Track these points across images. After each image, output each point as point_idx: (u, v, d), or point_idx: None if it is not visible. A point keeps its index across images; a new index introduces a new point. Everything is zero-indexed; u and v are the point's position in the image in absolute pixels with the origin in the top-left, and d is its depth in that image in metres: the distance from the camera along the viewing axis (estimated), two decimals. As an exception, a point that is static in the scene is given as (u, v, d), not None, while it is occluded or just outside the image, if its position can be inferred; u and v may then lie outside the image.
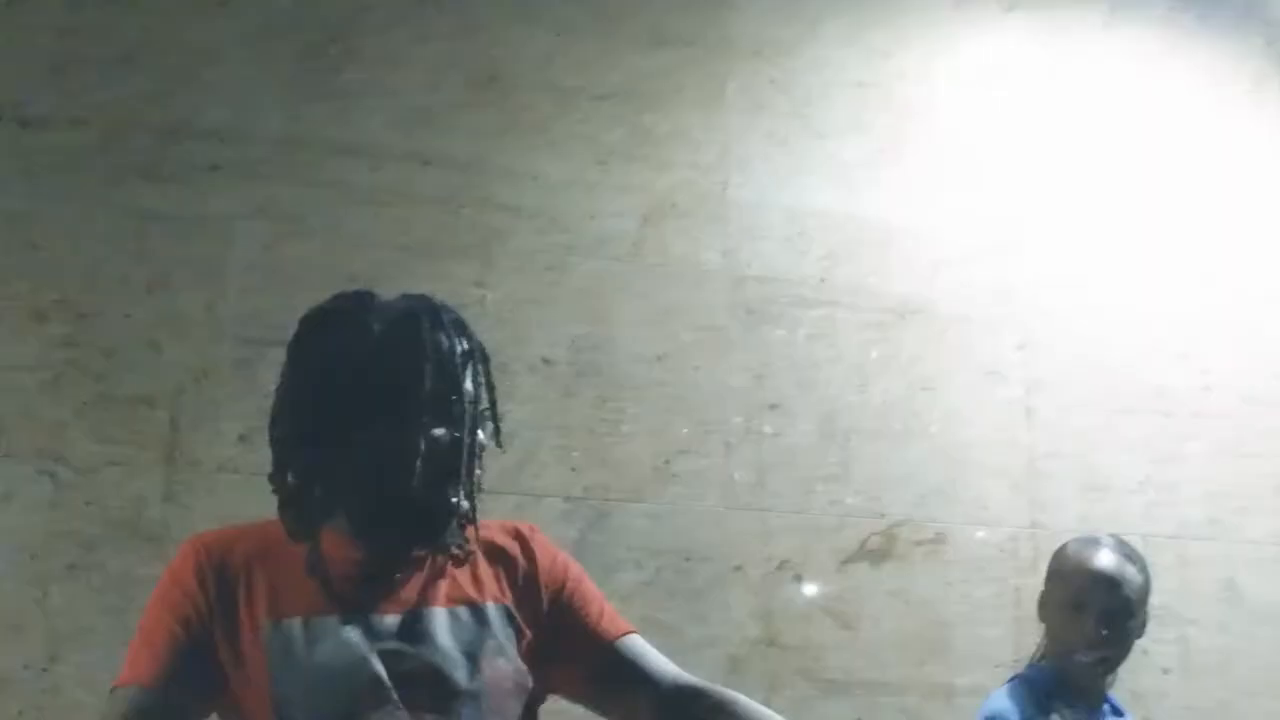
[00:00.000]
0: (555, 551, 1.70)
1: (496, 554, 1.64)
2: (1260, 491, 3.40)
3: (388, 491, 1.52)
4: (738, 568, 2.91)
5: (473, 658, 1.54)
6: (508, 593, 1.62)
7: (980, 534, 3.10)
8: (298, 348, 1.60)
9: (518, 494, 2.75)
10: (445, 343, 1.57)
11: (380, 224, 2.87)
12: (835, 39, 3.34)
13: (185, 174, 2.77)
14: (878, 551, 3.03)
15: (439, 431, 1.53)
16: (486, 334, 1.66)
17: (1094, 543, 2.38)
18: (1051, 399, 3.27)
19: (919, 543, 3.06)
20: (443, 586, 1.58)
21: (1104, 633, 2.28)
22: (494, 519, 1.65)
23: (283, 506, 1.57)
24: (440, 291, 2.66)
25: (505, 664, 1.56)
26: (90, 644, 2.52)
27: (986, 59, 3.47)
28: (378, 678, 1.49)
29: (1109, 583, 2.31)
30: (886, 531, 3.04)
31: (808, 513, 3.00)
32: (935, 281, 3.23)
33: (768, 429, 3.02)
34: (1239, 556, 3.34)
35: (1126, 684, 2.96)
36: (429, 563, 1.58)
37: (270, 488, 1.57)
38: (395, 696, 1.48)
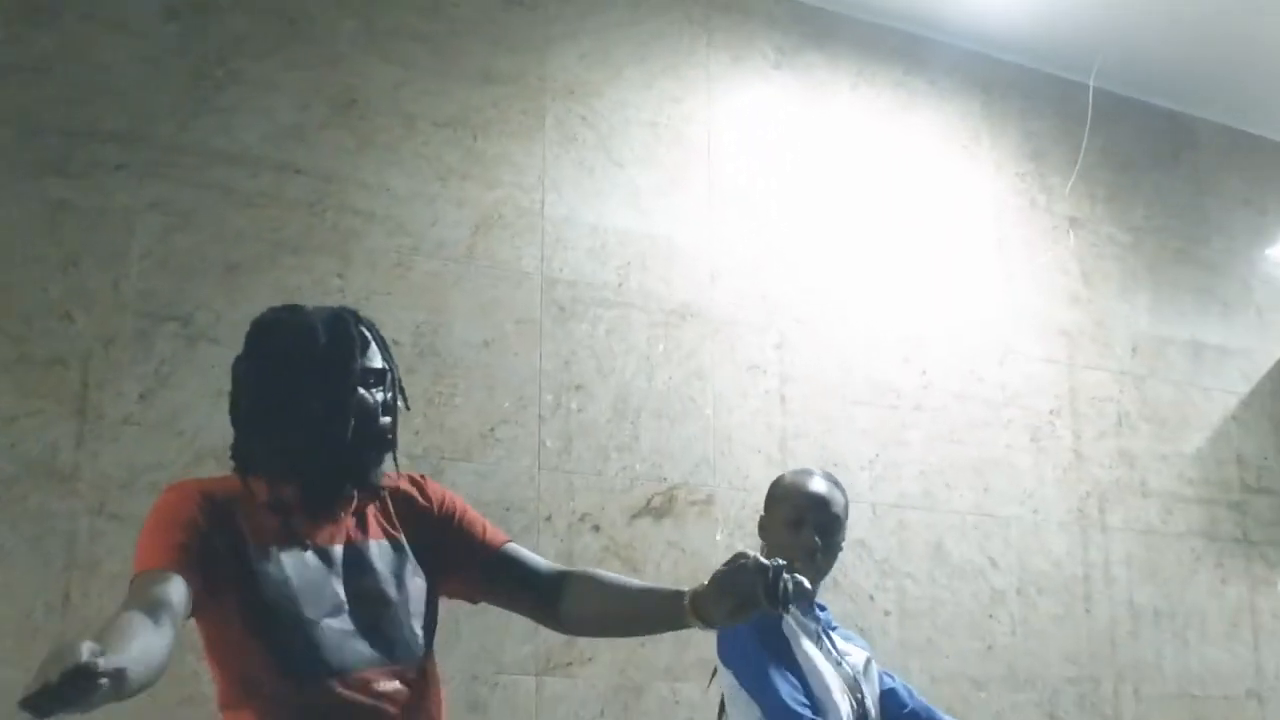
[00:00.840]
0: (443, 490, 2.24)
1: (402, 497, 2.16)
2: (964, 472, 4.15)
3: (330, 444, 2.03)
4: (548, 518, 3.50)
5: (399, 577, 2.08)
6: (415, 525, 2.17)
7: (741, 497, 3.74)
8: (256, 343, 2.08)
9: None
10: (367, 333, 2.13)
11: (256, 222, 3.33)
12: (635, 84, 3.94)
13: (92, 171, 3.21)
14: (659, 509, 3.64)
15: (366, 397, 2.09)
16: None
17: (807, 472, 2.82)
18: (800, 390, 3.93)
19: (693, 503, 3.69)
20: (370, 524, 2.11)
21: (818, 542, 2.72)
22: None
23: (241, 469, 2.06)
24: (304, 282, 3.24)
25: (420, 580, 2.12)
26: (8, 565, 2.95)
27: (757, 106, 4.13)
28: (336, 593, 2.00)
29: (822, 502, 2.73)
30: (667, 493, 3.65)
31: (604, 475, 3.60)
32: (711, 290, 3.87)
33: (573, 405, 3.61)
34: (945, 524, 4.07)
35: (856, 621, 3.67)
36: (354, 504, 2.08)
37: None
38: (348, 607, 2.02)
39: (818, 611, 2.75)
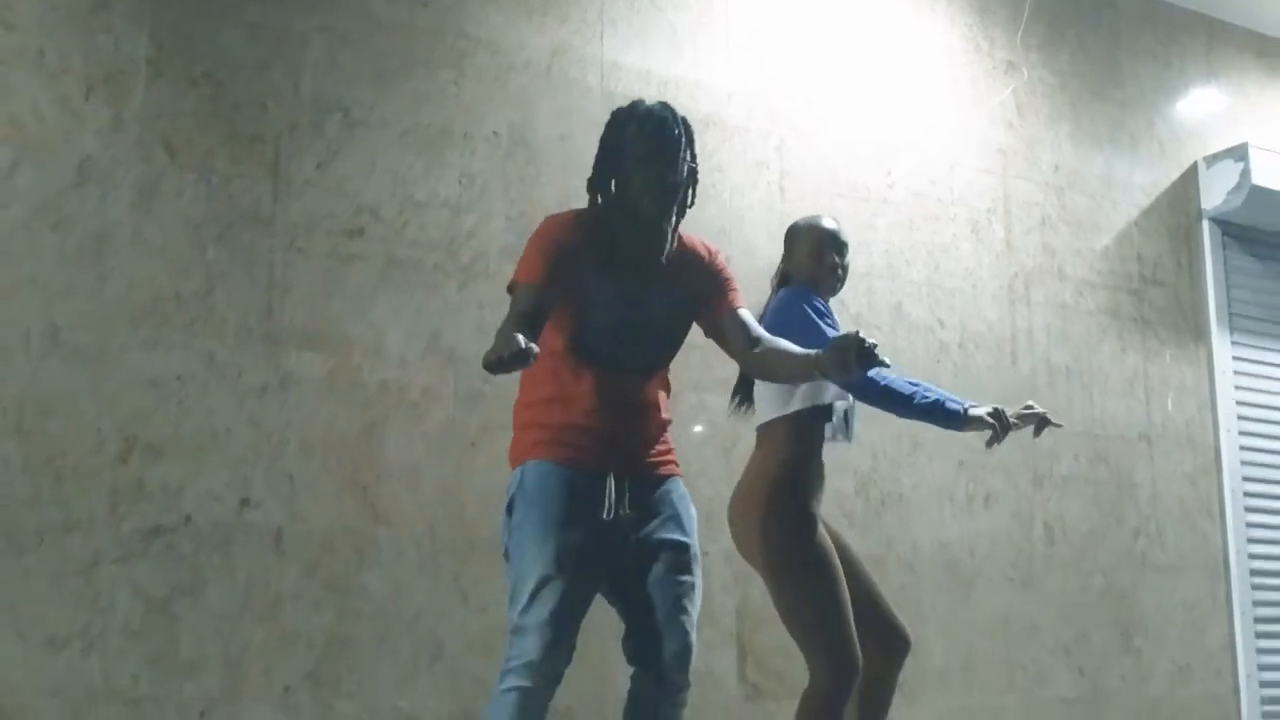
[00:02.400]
0: (718, 253, 3.58)
1: (693, 254, 3.50)
2: (919, 251, 5.34)
3: (646, 217, 3.35)
4: (607, 269, 4.69)
5: (676, 312, 3.44)
6: (699, 274, 3.48)
7: (749, 261, 4.92)
8: (615, 122, 3.46)
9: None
10: (679, 133, 3.39)
11: (395, 42, 4.49)
12: (669, -54, 5.10)
13: (277, 1, 4.36)
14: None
15: (673, 177, 3.36)
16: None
17: (817, 216, 4.00)
18: (795, 183, 5.08)
19: (713, 265, 4.88)
20: (667, 272, 3.40)
21: (838, 260, 3.88)
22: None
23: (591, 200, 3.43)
24: (430, 89, 4.36)
25: (686, 314, 3.45)
26: (227, 286, 4.14)
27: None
28: (628, 320, 3.35)
29: (834, 234, 3.90)
30: (693, 256, 4.85)
31: (647, 241, 4.79)
32: (728, 105, 5.02)
33: (624, 188, 4.79)
34: (903, 290, 5.26)
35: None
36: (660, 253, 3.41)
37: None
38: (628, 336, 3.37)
39: None
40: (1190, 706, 5.63)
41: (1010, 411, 3.95)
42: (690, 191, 3.52)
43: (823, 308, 3.78)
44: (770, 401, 3.85)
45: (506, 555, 3.36)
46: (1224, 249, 6.06)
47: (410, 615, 4.19)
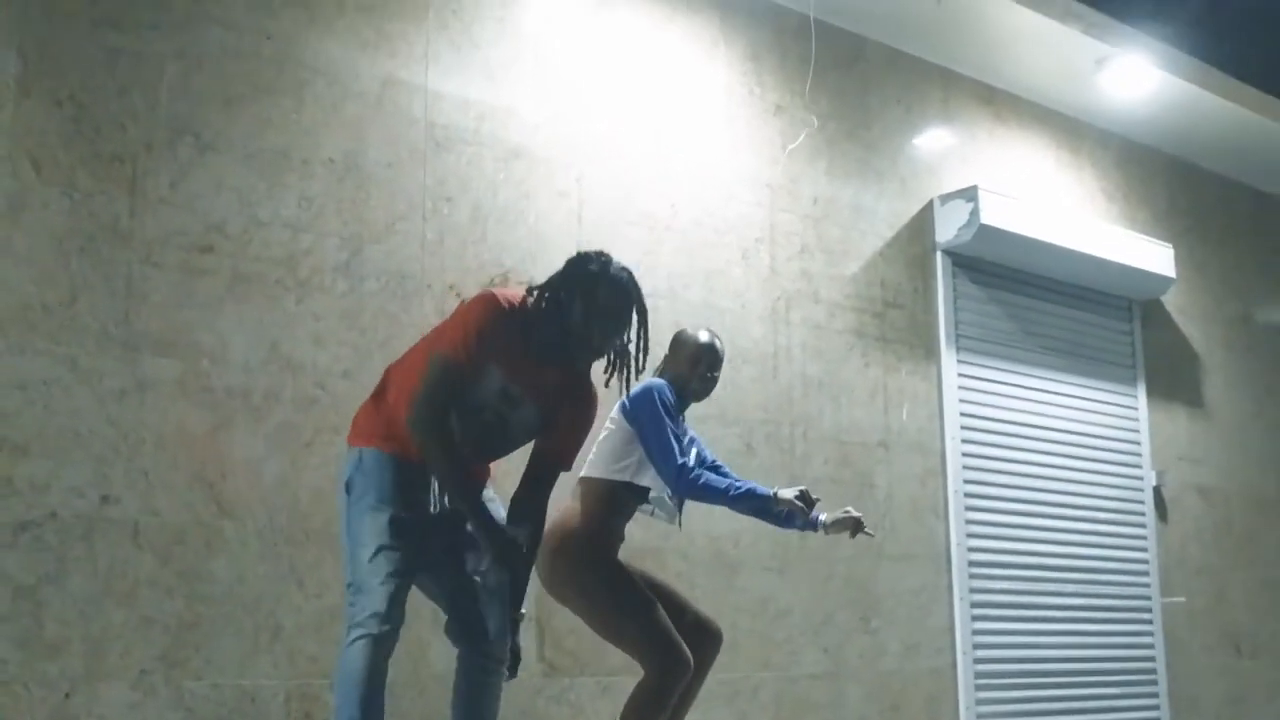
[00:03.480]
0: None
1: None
2: (697, 275, 5.96)
3: (581, 356, 3.89)
4: (428, 286, 5.15)
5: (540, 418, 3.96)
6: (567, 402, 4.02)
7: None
8: (589, 273, 3.92)
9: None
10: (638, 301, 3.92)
11: (243, 71, 4.86)
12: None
13: (137, 28, 4.66)
14: (500, 284, 5.33)
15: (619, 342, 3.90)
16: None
17: (704, 330, 4.68)
18: (593, 211, 5.62)
19: (520, 282, 5.39)
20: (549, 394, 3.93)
21: (710, 375, 4.62)
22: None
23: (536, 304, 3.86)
24: (274, 115, 4.72)
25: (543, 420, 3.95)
26: (88, 291, 4.44)
27: (566, 14, 5.80)
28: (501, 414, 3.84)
29: (714, 350, 4.61)
30: (503, 275, 5.35)
31: (463, 259, 5.27)
32: (535, 136, 5.54)
33: (444, 211, 5.26)
34: (682, 310, 5.87)
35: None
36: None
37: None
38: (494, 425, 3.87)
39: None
40: (917, 679, 6.43)
41: (827, 517, 4.68)
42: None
43: (671, 406, 4.47)
44: (600, 461, 4.45)
45: (346, 529, 3.85)
46: (954, 277, 6.88)
47: (252, 600, 4.58)
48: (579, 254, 4.05)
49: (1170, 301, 8.10)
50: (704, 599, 5.54)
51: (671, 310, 5.75)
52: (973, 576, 6.68)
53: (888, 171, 6.83)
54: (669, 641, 4.32)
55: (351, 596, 3.73)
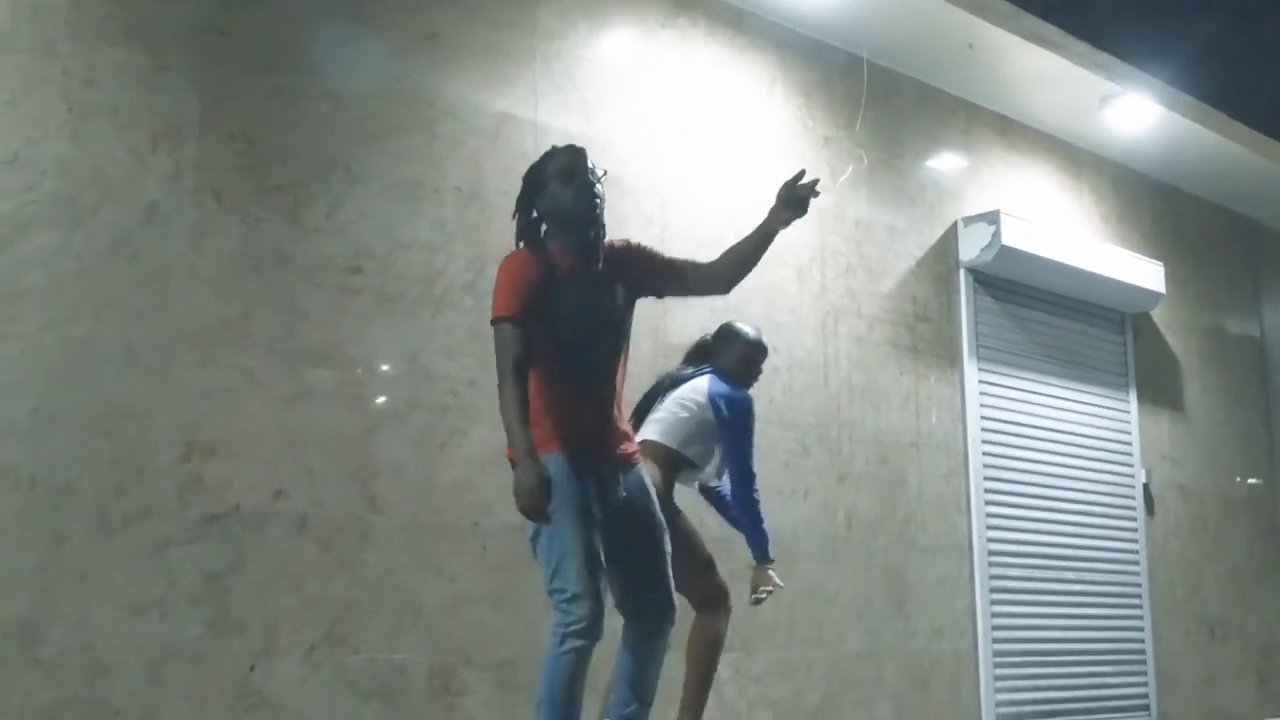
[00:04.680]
0: (634, 242, 4.46)
1: (616, 251, 4.39)
2: (758, 293, 6.56)
3: (583, 221, 4.27)
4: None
5: (622, 294, 4.34)
6: (628, 263, 4.36)
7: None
8: (536, 165, 4.34)
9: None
10: (589, 160, 4.34)
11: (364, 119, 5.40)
12: (592, 37, 6.13)
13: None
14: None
15: (597, 185, 4.30)
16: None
17: (750, 326, 5.27)
18: (675, 234, 6.23)
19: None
20: (605, 271, 4.30)
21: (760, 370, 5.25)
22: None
23: (525, 240, 4.30)
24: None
25: (628, 295, 4.35)
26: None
27: (649, 58, 6.38)
28: (590, 308, 4.23)
29: (763, 347, 5.25)
30: (601, 293, 5.93)
31: (568, 279, 5.84)
32: (627, 168, 6.12)
33: (551, 235, 5.82)
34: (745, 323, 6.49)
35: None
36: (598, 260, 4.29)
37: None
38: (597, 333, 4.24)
39: None
40: (942, 659, 7.10)
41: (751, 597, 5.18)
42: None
43: (750, 416, 5.05)
44: (675, 435, 5.02)
45: (536, 536, 4.15)
46: (975, 293, 7.55)
47: (398, 585, 5.13)
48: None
49: (1156, 315, 8.84)
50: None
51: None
52: (991, 565, 7.36)
53: (918, 196, 7.48)
54: (722, 584, 5.03)
55: (562, 604, 4.08)
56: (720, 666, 5.19)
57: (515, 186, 5.58)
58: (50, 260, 4.52)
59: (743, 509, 5.12)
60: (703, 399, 5.05)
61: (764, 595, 5.15)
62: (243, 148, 4.98)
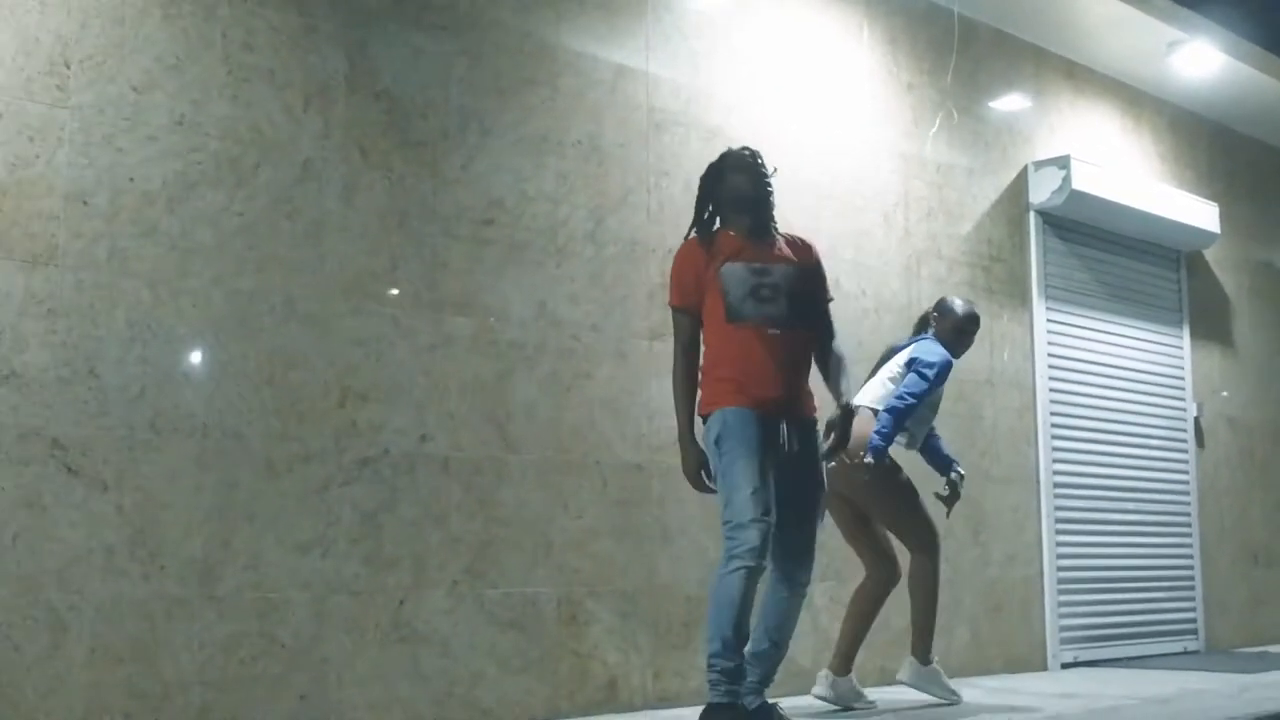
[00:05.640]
0: (814, 245, 4.93)
1: (793, 241, 4.83)
2: (847, 235, 6.81)
3: (752, 203, 4.71)
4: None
5: (794, 278, 4.72)
6: (804, 255, 4.84)
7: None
8: (713, 164, 4.84)
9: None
10: (761, 161, 4.74)
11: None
12: (686, -16, 6.32)
13: None
14: (704, 249, 6.16)
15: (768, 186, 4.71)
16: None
17: (963, 301, 5.85)
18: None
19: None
20: (775, 253, 4.73)
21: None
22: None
23: (697, 231, 4.75)
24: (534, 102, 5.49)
25: (804, 282, 4.74)
26: (405, 260, 5.22)
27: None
28: (759, 285, 4.63)
29: (975, 318, 5.76)
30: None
31: (678, 227, 6.09)
32: (705, 103, 6.34)
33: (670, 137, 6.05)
34: (839, 268, 6.73)
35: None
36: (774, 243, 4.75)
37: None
38: (765, 295, 4.65)
39: None
40: (1013, 585, 7.44)
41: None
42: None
43: (939, 378, 5.72)
44: (881, 396, 5.75)
45: (716, 475, 4.65)
46: (1044, 235, 7.80)
47: (530, 521, 5.41)
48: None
49: (1208, 253, 9.11)
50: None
51: (831, 268, 6.56)
52: (1057, 496, 7.68)
53: (993, 141, 7.71)
54: (935, 529, 5.80)
55: (730, 532, 4.54)
56: (816, 594, 5.70)
57: (631, 139, 5.90)
58: (217, 218, 4.74)
59: (889, 421, 5.63)
60: (904, 361, 5.77)
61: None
62: (386, 105, 5.19)
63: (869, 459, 5.53)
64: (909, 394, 5.64)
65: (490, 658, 5.23)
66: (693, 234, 4.88)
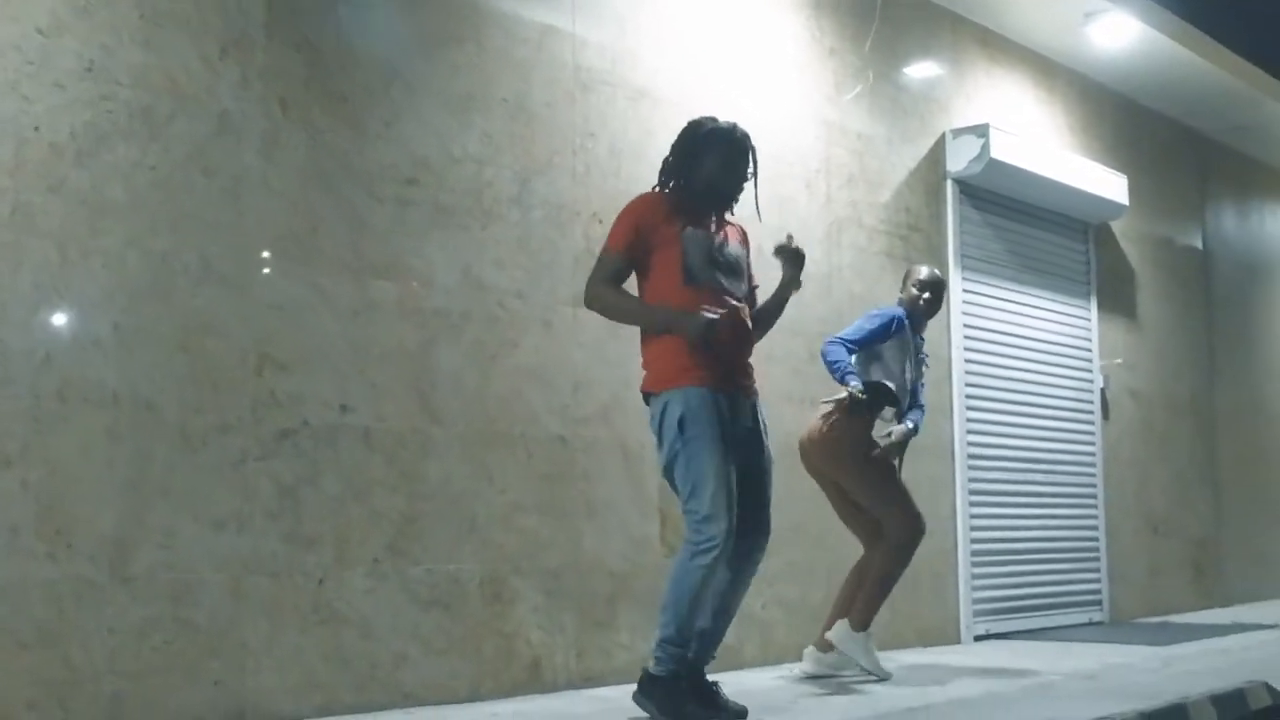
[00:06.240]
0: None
1: (735, 226, 4.72)
2: (772, 200, 6.65)
3: (725, 189, 4.56)
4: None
5: (743, 258, 4.65)
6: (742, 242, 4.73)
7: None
8: (702, 134, 4.68)
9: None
10: (748, 139, 4.59)
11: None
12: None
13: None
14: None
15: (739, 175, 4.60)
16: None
17: (925, 267, 5.87)
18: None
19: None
20: (730, 234, 4.61)
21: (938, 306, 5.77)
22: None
23: (664, 187, 4.56)
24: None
25: (747, 265, 4.64)
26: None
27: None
28: (715, 257, 4.49)
29: (938, 282, 5.73)
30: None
31: (604, 191, 5.87)
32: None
33: (588, 146, 5.83)
34: (765, 234, 6.59)
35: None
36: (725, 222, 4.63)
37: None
38: (724, 265, 4.52)
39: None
40: (928, 558, 7.32)
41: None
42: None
43: (880, 331, 5.83)
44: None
45: (673, 463, 4.52)
46: (960, 204, 7.72)
47: (455, 496, 5.19)
48: (690, 121, 4.87)
49: (1114, 225, 9.11)
50: (778, 486, 6.33)
51: (754, 235, 6.42)
52: (971, 468, 7.63)
53: (911, 108, 7.60)
54: (916, 513, 5.82)
55: (698, 525, 4.45)
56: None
57: (558, 99, 5.67)
58: (129, 173, 4.43)
59: (829, 361, 5.83)
60: None
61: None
62: (308, 56, 4.91)
63: (852, 387, 5.64)
64: (846, 333, 5.88)
65: (413, 639, 5.01)
66: (657, 189, 4.78)
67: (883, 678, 5.73)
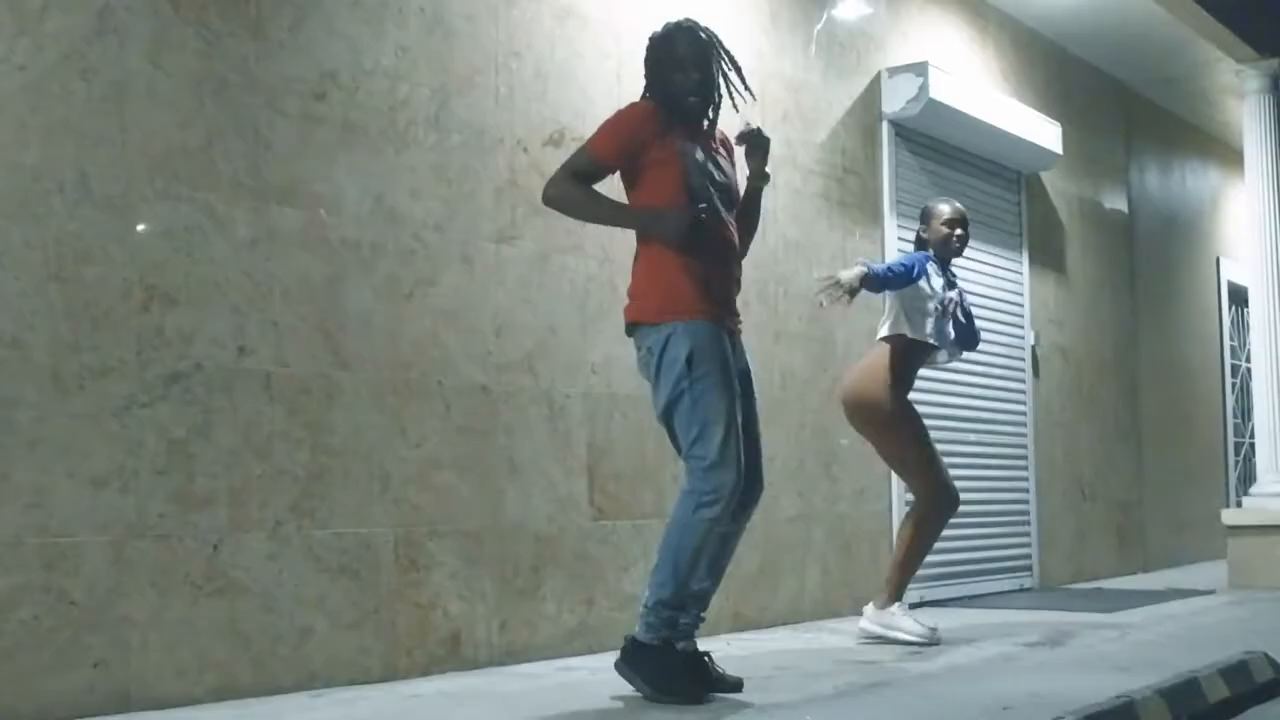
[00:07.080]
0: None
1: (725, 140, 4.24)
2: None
3: (700, 93, 4.03)
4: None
5: (734, 174, 4.21)
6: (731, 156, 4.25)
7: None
8: (672, 45, 4.20)
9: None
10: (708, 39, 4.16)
11: (340, -88, 4.74)
12: None
13: None
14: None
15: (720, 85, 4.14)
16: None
17: (948, 200, 5.49)
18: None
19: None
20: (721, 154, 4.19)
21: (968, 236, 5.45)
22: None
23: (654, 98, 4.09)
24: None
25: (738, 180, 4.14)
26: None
27: None
28: (714, 173, 4.09)
29: (962, 216, 5.41)
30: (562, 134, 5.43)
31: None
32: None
33: (513, 66, 5.28)
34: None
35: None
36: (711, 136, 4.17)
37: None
38: (720, 183, 4.10)
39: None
40: (863, 520, 6.95)
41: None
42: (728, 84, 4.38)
43: (909, 270, 5.46)
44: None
45: (674, 405, 4.05)
46: (896, 147, 7.27)
47: (365, 450, 4.64)
48: (654, 34, 4.42)
49: (1044, 176, 8.74)
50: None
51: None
52: (905, 428, 7.18)
53: (848, 45, 7.12)
54: (946, 484, 5.62)
55: (705, 473, 4.00)
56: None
57: (479, 12, 5.14)
58: (-7, 72, 3.81)
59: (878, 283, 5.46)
60: None
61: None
62: (201, -52, 4.30)
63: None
64: (885, 266, 5.55)
65: (319, 611, 4.46)
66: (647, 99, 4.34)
67: (932, 641, 5.46)
